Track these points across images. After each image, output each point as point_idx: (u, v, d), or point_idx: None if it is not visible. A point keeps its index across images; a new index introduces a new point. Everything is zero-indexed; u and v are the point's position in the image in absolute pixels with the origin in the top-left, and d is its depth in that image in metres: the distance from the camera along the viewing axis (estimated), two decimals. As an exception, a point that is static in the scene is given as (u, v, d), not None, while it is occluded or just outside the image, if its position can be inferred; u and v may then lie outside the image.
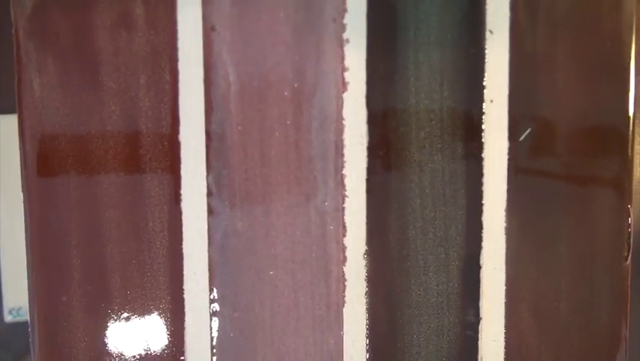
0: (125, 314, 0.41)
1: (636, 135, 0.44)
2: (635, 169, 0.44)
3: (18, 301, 0.61)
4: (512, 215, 0.43)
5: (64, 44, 0.39)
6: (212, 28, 0.40)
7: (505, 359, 0.44)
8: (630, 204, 0.44)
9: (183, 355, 0.42)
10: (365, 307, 0.43)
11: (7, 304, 0.61)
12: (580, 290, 0.44)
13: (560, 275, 0.44)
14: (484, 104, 0.42)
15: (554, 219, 0.44)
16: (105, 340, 0.41)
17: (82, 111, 0.40)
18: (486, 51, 0.42)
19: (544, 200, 0.43)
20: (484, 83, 0.42)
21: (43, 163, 0.40)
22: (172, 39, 0.40)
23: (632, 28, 0.43)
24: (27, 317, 0.41)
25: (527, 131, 0.43)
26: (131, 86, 0.40)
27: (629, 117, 0.44)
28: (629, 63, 0.43)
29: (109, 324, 0.41)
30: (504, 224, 0.43)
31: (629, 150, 0.44)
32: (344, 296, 0.42)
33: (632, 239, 0.44)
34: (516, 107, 0.43)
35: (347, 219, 0.42)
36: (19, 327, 0.63)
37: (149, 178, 0.40)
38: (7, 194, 0.59)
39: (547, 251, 0.44)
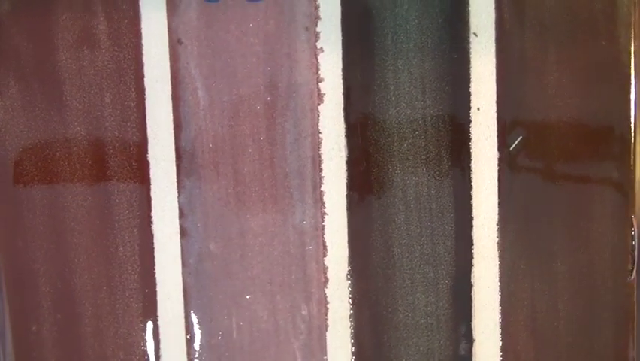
0: (97, 343, 0.40)
1: (638, 141, 0.42)
2: (637, 175, 0.42)
3: None
4: (504, 229, 0.42)
5: (26, 65, 0.39)
6: (179, 42, 0.39)
7: (502, 383, 0.42)
8: (634, 214, 0.42)
9: (159, 384, 0.41)
10: (349, 330, 0.41)
11: None
12: (580, 309, 0.42)
13: (558, 293, 0.42)
14: (470, 111, 0.41)
15: (550, 233, 0.42)
16: (77, 370, 0.41)
17: (46, 133, 0.39)
18: (470, 55, 0.41)
19: (538, 212, 0.42)
20: (470, 90, 0.41)
21: (6, 188, 0.39)
22: (137, 54, 0.39)
23: (629, 25, 0.41)
24: None
25: (518, 140, 0.41)
26: (96, 105, 0.39)
27: (629, 122, 0.42)
28: (628, 63, 0.42)
29: (80, 353, 0.40)
30: (496, 239, 0.42)
31: (631, 157, 0.42)
32: (326, 320, 0.41)
33: (637, 252, 0.42)
34: (505, 114, 0.41)
35: (327, 238, 0.41)
36: None
37: (117, 200, 0.40)
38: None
39: (543, 267, 0.42)
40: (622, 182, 0.42)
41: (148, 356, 0.41)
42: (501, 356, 0.42)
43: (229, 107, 0.40)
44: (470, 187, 0.42)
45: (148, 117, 0.40)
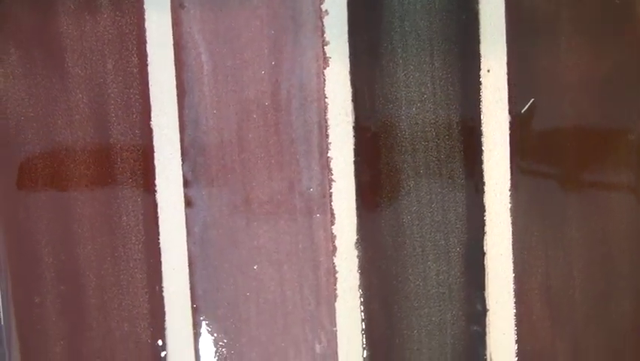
0: (101, 315, 0.40)
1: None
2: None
3: None
4: (517, 195, 0.41)
5: (26, 32, 0.39)
6: (182, 6, 0.40)
7: (516, 354, 0.42)
8: (651, 178, 0.42)
9: (166, 359, 0.41)
10: (359, 301, 0.41)
11: None
12: (596, 277, 0.42)
13: (573, 260, 0.42)
14: (480, 74, 0.41)
15: (564, 198, 0.42)
16: (81, 343, 0.41)
17: (48, 101, 0.40)
18: (480, 16, 0.41)
19: (552, 177, 0.41)
20: (480, 52, 0.41)
21: (7, 158, 0.40)
22: (139, 19, 0.39)
23: (643, -17, 0.41)
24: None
25: (530, 103, 0.41)
26: (98, 72, 0.40)
27: (645, 82, 0.42)
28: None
29: (85, 326, 0.40)
30: (508, 205, 0.41)
31: (647, 119, 0.42)
32: (335, 290, 0.41)
33: (655, 217, 0.42)
34: (516, 77, 0.41)
35: (335, 205, 0.41)
36: None
37: (120, 169, 0.40)
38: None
39: (557, 234, 0.42)
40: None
41: (153, 328, 0.41)
42: (515, 326, 0.42)
43: (233, 73, 0.40)
44: (481, 152, 0.41)
45: (151, 83, 0.40)
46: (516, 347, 0.42)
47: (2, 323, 0.41)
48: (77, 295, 0.41)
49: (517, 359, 0.42)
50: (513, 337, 0.42)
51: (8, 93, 0.40)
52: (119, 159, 0.40)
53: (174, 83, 0.40)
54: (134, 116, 0.40)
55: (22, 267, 0.40)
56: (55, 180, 0.40)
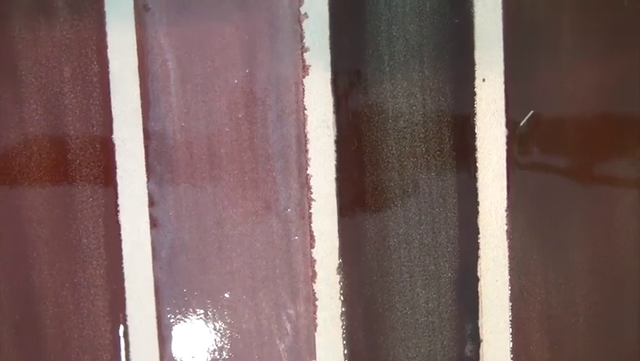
0: (60, 346, 0.37)
1: (665, 114, 0.39)
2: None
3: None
4: (514, 215, 0.38)
5: (-25, 35, 0.36)
6: (146, 8, 0.36)
7: (513, 388, 0.39)
8: (661, 197, 0.38)
9: (130, 391, 0.38)
10: (341, 331, 0.38)
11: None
12: (600, 305, 0.39)
13: (576, 287, 0.39)
14: (475, 83, 0.38)
15: (566, 220, 0.38)
16: (38, 376, 0.38)
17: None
18: (474, 20, 0.37)
19: (552, 197, 0.38)
20: (475, 59, 0.38)
21: (-44, 174, 0.37)
22: (99, 23, 0.36)
23: (654, -16, 0.38)
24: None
25: (529, 115, 0.38)
26: (54, 80, 0.36)
27: (655, 92, 0.38)
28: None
29: (42, 358, 0.37)
30: (505, 226, 0.38)
31: (657, 133, 0.39)
32: (315, 319, 0.38)
33: (664, 240, 0.39)
34: (514, 86, 0.38)
35: (315, 227, 0.38)
36: None
37: (80, 187, 0.37)
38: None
39: (558, 258, 0.39)
40: (647, 161, 0.39)
41: (116, 360, 0.38)
42: (512, 359, 0.39)
43: (203, 82, 0.37)
44: (475, 169, 0.38)
45: (112, 93, 0.37)
46: (512, 381, 0.39)
47: (-49, 354, 0.38)
48: (33, 325, 0.38)
49: (513, 393, 0.39)
50: (509, 370, 0.39)
51: (-45, 104, 0.37)
52: (77, 176, 0.37)
53: (138, 92, 0.37)
54: (94, 129, 0.37)
55: (-28, 294, 0.38)
56: (7, 198, 0.37)
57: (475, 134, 0.38)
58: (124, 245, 0.37)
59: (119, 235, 0.37)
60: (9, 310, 0.37)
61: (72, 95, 0.37)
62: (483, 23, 0.38)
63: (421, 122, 0.38)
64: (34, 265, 0.37)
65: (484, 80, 0.38)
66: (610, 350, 0.39)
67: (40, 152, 0.37)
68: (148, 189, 0.37)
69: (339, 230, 0.38)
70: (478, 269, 0.39)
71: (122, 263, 0.37)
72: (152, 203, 0.37)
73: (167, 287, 0.38)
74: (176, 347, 0.38)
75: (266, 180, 0.38)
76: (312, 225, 0.38)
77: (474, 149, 0.38)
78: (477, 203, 0.38)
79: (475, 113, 0.38)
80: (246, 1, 0.37)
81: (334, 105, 0.38)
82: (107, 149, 0.37)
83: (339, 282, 0.38)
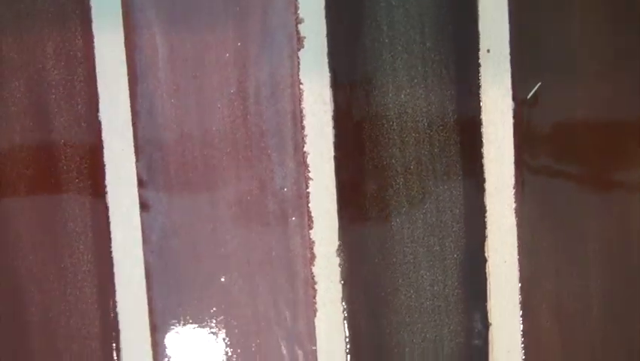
0: (46, 336, 0.36)
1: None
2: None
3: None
4: (523, 193, 0.37)
5: (-47, 9, 0.35)
6: (132, -21, 0.35)
7: (523, 374, 0.37)
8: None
9: (121, 383, 0.36)
10: (342, 316, 0.37)
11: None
12: (616, 288, 0.37)
13: (588, 267, 0.37)
14: (479, 54, 0.36)
15: (577, 196, 0.37)
16: (24, 367, 0.36)
17: (-20, 90, 0.35)
18: (477, -13, 0.36)
19: (563, 173, 0.37)
20: (478, 29, 0.36)
21: None
22: (83, -5, 0.35)
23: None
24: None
25: (536, 87, 0.36)
26: (36, 56, 0.35)
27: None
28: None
29: (26, 349, 0.36)
30: (513, 204, 0.37)
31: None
32: (315, 303, 0.36)
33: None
34: (520, 57, 0.36)
35: (313, 206, 0.36)
36: None
37: (65, 168, 0.35)
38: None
39: (570, 238, 0.37)
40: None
41: (106, 350, 0.36)
42: (522, 343, 0.37)
43: (193, 55, 0.35)
44: (481, 144, 0.37)
45: (98, 69, 0.35)
46: (522, 367, 0.38)
47: None
48: (17, 314, 0.36)
49: (523, 380, 0.38)
50: (519, 355, 0.38)
51: None
52: (62, 157, 0.35)
53: (125, 68, 0.35)
54: (79, 108, 0.35)
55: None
56: (-11, 181, 0.35)
57: (480, 107, 0.37)
58: (112, 228, 0.36)
59: (107, 217, 0.36)
60: (-7, 299, 0.36)
61: (55, 72, 0.35)
62: (487, -10, 0.36)
63: (423, 95, 0.36)
64: (17, 252, 0.36)
65: (488, 50, 0.36)
66: (622, 334, 0.38)
67: (23, 131, 0.35)
68: (137, 170, 0.36)
69: (338, 210, 0.36)
70: (486, 250, 0.37)
71: (110, 247, 0.36)
72: (141, 184, 0.36)
73: (159, 272, 0.36)
74: (168, 335, 0.36)
75: (260, 159, 0.36)
76: (309, 205, 0.36)
77: (479, 122, 0.37)
78: (483, 180, 0.37)
79: (480, 86, 0.37)
80: (237, -30, 0.35)
81: (331, 79, 0.36)
82: (93, 128, 0.35)
83: (339, 264, 0.37)
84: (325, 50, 0.36)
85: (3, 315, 0.36)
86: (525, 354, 0.38)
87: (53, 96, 0.35)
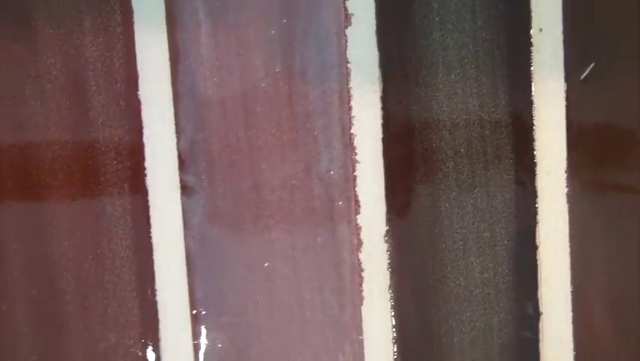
0: (82, 324, 0.34)
1: None
2: None
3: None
4: (575, 177, 0.36)
5: (-14, -18, 0.33)
6: (174, -48, 0.33)
7: (574, 364, 0.36)
8: None
9: (159, 374, 0.35)
10: (389, 304, 0.35)
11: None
12: (670, 271, 0.36)
13: (643, 252, 0.36)
14: (531, 33, 0.35)
15: (631, 180, 0.36)
16: (58, 358, 0.35)
17: (13, 67, 0.33)
18: (531, -36, 0.35)
19: (615, 155, 0.36)
20: (530, 7, 0.35)
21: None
22: (123, -32, 0.33)
23: None
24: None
25: (590, 67, 0.35)
26: (74, 31, 0.33)
27: None
28: None
29: (62, 338, 0.34)
30: (565, 189, 0.36)
31: None
32: (361, 291, 0.35)
33: None
34: (574, 36, 0.35)
35: (360, 191, 0.35)
36: None
37: (102, 149, 0.34)
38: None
39: (623, 223, 0.36)
40: None
41: (145, 339, 0.35)
42: (573, 332, 0.36)
43: (237, 32, 0.34)
44: (532, 126, 0.36)
45: (137, 46, 0.34)
46: (574, 357, 0.37)
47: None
48: (53, 301, 0.35)
49: (574, 370, 0.37)
50: (570, 344, 0.37)
51: (-35, 58, 0.34)
52: (100, 138, 0.34)
53: (166, 45, 0.34)
54: (118, 86, 0.34)
55: (-15, 268, 0.35)
56: (24, 160, 0.34)
57: (531, 88, 0.36)
58: (152, 212, 0.34)
59: (147, 201, 0.34)
60: (26, 285, 0.34)
61: (93, 48, 0.34)
62: (540, -33, 0.35)
63: (474, 76, 0.35)
64: (53, 236, 0.34)
65: (541, 29, 0.35)
66: (678, 322, 0.37)
67: (59, 111, 0.34)
68: (178, 151, 0.34)
69: (386, 194, 0.35)
70: (537, 236, 0.36)
71: (150, 232, 0.34)
72: (182, 166, 0.34)
73: (200, 258, 0.35)
74: (209, 323, 0.35)
75: (306, 141, 0.35)
76: (356, 189, 0.35)
77: (530, 103, 0.36)
78: (534, 163, 0.36)
79: (532, 66, 0.36)
80: (284, -56, 0.34)
81: (379, 58, 0.35)
82: (133, 107, 0.34)
83: (387, 251, 0.36)
84: (374, 27, 0.35)
85: (38, 303, 0.34)
86: (576, 343, 0.37)
87: (91, 73, 0.34)
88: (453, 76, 0.35)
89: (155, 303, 0.35)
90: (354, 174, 0.35)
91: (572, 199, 0.36)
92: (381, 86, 0.35)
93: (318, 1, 0.34)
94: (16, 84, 0.34)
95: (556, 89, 0.36)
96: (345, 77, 0.35)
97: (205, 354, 0.35)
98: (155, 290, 0.35)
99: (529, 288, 0.36)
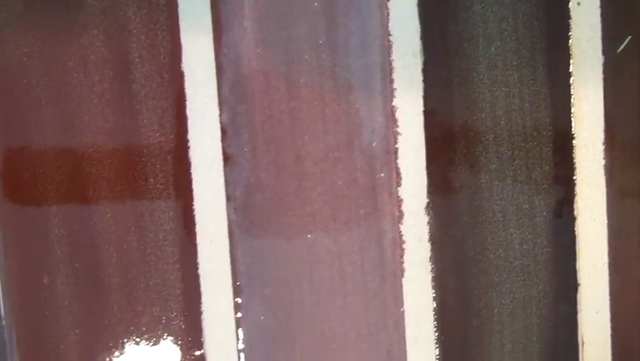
0: (125, 297, 0.34)
1: None
2: None
3: None
4: (613, 149, 0.36)
5: (30, -48, 0.33)
6: None
7: (611, 335, 0.37)
8: None
9: (201, 347, 0.35)
10: (430, 275, 0.36)
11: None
12: None
13: (680, 223, 0.37)
14: (569, 6, 0.36)
15: (668, 152, 0.37)
16: (100, 332, 0.34)
17: (56, 36, 0.33)
18: (570, -63, 0.35)
19: (653, 127, 0.36)
20: (569, -20, 0.36)
21: (11, 108, 0.33)
22: (167, -61, 0.33)
23: None
24: None
25: (627, 40, 0.36)
26: (117, 2, 0.33)
27: None
28: None
29: (104, 311, 0.34)
30: (602, 161, 0.36)
31: None
32: (402, 263, 0.35)
33: None
34: (611, 10, 0.36)
35: (402, 163, 0.35)
36: None
37: (146, 120, 0.34)
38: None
39: (661, 193, 0.37)
40: None
41: (188, 312, 0.35)
42: (610, 303, 0.37)
43: (281, 4, 0.34)
44: (569, 97, 0.36)
45: (181, 17, 0.34)
46: (611, 328, 0.37)
47: (2, 306, 0.35)
48: (95, 274, 0.34)
49: (612, 341, 0.37)
50: (607, 315, 0.37)
51: (5, 31, 0.33)
52: (143, 109, 0.34)
53: (210, 16, 0.34)
54: (162, 58, 0.34)
55: (25, 239, 0.34)
56: (66, 131, 0.34)
57: (569, 61, 0.36)
58: (195, 184, 0.35)
59: (190, 173, 0.34)
60: (67, 258, 0.34)
61: (136, 20, 0.34)
62: (579, -59, 0.36)
63: (513, 48, 0.36)
64: (96, 208, 0.34)
65: (579, 3, 0.36)
66: None
67: (102, 83, 0.34)
68: (220, 123, 0.34)
69: (427, 167, 0.36)
70: (575, 207, 0.36)
71: (192, 204, 0.35)
72: (225, 138, 0.35)
73: (242, 230, 0.35)
74: (251, 296, 0.35)
75: (348, 113, 0.35)
76: (398, 161, 0.35)
77: (568, 76, 0.36)
78: (572, 137, 0.36)
79: (570, 39, 0.36)
80: None
81: (421, 31, 0.35)
82: (176, 79, 0.34)
83: (428, 223, 0.36)
84: (415, 0, 0.35)
85: (79, 276, 0.34)
86: (613, 315, 0.37)
87: (134, 45, 0.34)
88: (493, 48, 0.36)
89: (197, 276, 0.35)
90: (396, 146, 0.35)
91: (610, 171, 0.36)
92: (423, 58, 0.35)
93: (360, -27, 0.34)
94: (60, 56, 0.34)
95: (593, 62, 0.36)
96: (387, 49, 0.35)
97: (247, 327, 0.35)
98: (198, 263, 0.35)
99: (567, 259, 0.37)
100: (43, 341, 0.35)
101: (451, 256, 0.36)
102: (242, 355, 0.35)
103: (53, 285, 0.34)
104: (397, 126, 0.35)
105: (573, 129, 0.36)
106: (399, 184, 0.36)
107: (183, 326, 0.35)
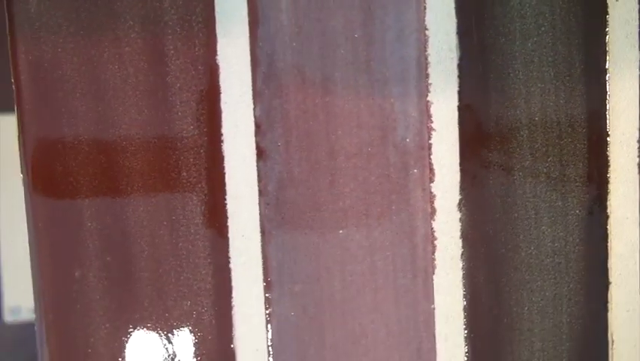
0: (156, 291, 0.34)
1: None
2: None
3: (19, 300, 0.55)
4: (648, 147, 0.36)
5: (64, -59, 0.33)
6: None
7: (641, 334, 0.37)
8: None
9: (232, 341, 0.35)
10: (461, 273, 0.36)
11: (8, 302, 0.55)
12: None
13: None
14: (607, 3, 0.35)
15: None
16: (131, 326, 0.34)
17: (91, 28, 0.33)
18: None
19: (689, 126, 0.36)
20: (607, -25, 0.35)
21: (44, 99, 0.33)
22: None
23: None
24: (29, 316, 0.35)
25: (664, 38, 0.36)
26: (152, -7, 0.33)
27: None
28: None
29: (135, 305, 0.34)
30: (637, 159, 0.36)
31: None
32: (434, 260, 0.35)
33: None
34: (649, 6, 0.36)
35: (435, 159, 0.35)
36: (22, 329, 0.57)
37: (180, 113, 0.34)
38: (7, 183, 0.53)
39: (695, 192, 0.37)
40: None
41: (218, 306, 0.35)
42: (641, 302, 0.37)
43: (316, -3, 0.34)
44: (605, 93, 0.36)
45: (217, 9, 0.33)
46: (641, 326, 0.37)
47: (33, 299, 0.35)
48: (126, 268, 0.34)
49: (641, 339, 0.37)
50: (638, 314, 0.37)
51: (43, 18, 0.33)
52: (177, 102, 0.34)
53: (246, 9, 0.34)
54: (197, 50, 0.34)
55: (57, 233, 0.34)
56: (100, 124, 0.34)
57: (606, 58, 0.36)
58: (227, 178, 0.34)
59: (223, 167, 0.34)
60: (99, 252, 0.34)
61: (172, 11, 0.33)
62: (618, -64, 0.35)
63: (550, 44, 0.35)
64: (128, 202, 0.34)
65: (616, -1, 0.36)
66: None
67: (137, 73, 0.33)
68: (255, 117, 0.34)
69: (460, 163, 0.36)
70: (608, 206, 0.36)
71: (225, 199, 0.34)
72: (258, 132, 0.34)
73: (274, 225, 0.35)
74: (283, 292, 0.35)
75: (383, 107, 0.35)
76: (431, 157, 0.35)
77: (604, 72, 0.36)
78: (607, 133, 0.36)
79: (607, 35, 0.36)
80: None
81: (457, 25, 0.35)
82: (211, 72, 0.34)
83: (460, 219, 0.36)
84: (452, -6, 0.35)
85: (111, 269, 0.34)
86: (643, 313, 0.37)
87: (170, 37, 0.33)
88: (530, 44, 0.35)
89: (228, 271, 0.35)
90: (430, 142, 0.35)
91: (643, 170, 0.36)
92: (459, 53, 0.35)
93: (397, -34, 0.34)
94: (94, 47, 0.33)
95: (630, 59, 0.36)
96: (423, 43, 0.35)
97: (277, 322, 0.35)
98: (229, 258, 0.35)
99: (599, 258, 0.37)
100: (74, 334, 0.35)
101: (482, 254, 0.36)
102: (272, 350, 0.35)
103: (85, 278, 0.34)
104: (432, 122, 0.35)
105: (608, 126, 0.36)
106: (432, 180, 0.35)
107: (214, 321, 0.35)
